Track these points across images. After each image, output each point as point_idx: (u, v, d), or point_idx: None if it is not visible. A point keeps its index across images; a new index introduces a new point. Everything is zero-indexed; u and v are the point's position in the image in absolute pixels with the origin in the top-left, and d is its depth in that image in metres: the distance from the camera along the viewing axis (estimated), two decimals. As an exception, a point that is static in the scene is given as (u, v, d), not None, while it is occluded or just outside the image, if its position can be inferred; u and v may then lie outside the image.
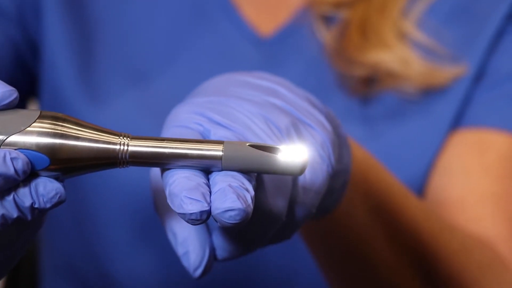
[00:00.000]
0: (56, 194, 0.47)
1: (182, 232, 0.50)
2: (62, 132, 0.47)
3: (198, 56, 0.92)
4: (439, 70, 0.88)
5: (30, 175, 0.47)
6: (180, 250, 0.50)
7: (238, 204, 0.44)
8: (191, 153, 0.47)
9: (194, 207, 0.44)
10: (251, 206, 0.45)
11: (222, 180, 0.45)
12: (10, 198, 0.46)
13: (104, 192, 0.90)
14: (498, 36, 0.89)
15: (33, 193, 0.47)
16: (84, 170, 0.48)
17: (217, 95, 0.52)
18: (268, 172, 0.47)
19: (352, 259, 0.69)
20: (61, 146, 0.47)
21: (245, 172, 0.47)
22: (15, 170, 0.46)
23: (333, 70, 0.90)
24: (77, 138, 0.47)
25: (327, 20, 0.91)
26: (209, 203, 0.45)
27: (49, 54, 0.90)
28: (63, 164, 0.47)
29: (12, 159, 0.46)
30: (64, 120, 0.48)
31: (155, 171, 0.53)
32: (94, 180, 0.90)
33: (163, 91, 0.91)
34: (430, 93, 0.89)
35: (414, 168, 0.88)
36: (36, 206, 0.47)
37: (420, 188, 0.88)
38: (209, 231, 0.51)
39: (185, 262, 0.50)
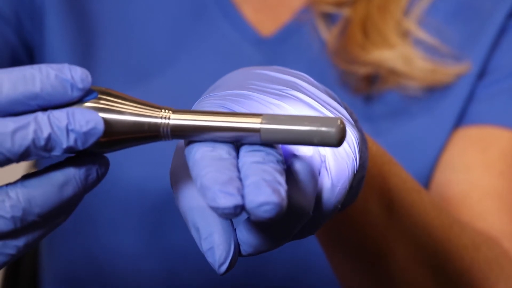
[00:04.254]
0: (93, 120, 0.47)
1: (206, 227, 0.49)
2: (104, 106, 0.48)
3: (198, 56, 0.91)
4: (442, 68, 0.88)
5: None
6: (204, 246, 0.49)
7: (273, 198, 0.43)
8: (231, 126, 0.47)
9: (228, 201, 0.43)
10: (286, 200, 0.44)
11: (255, 174, 0.45)
12: (45, 116, 0.46)
13: (106, 197, 0.89)
14: (501, 34, 0.89)
15: (70, 116, 0.46)
16: (127, 143, 0.48)
17: (239, 89, 0.52)
18: (306, 144, 0.46)
19: (364, 254, 0.69)
20: (104, 120, 0.47)
21: (284, 143, 0.47)
22: (72, 76, 0.47)
23: (335, 68, 0.90)
24: (119, 112, 0.48)
25: (328, 18, 0.91)
26: (243, 197, 0.44)
27: (50, 56, 0.90)
28: (105, 137, 0.47)
29: (70, 68, 0.47)
30: (107, 94, 0.48)
31: (176, 163, 0.52)
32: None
33: (164, 91, 0.90)
34: (434, 91, 0.89)
35: (418, 166, 0.88)
36: (71, 128, 0.46)
37: (424, 186, 0.88)
38: (233, 226, 0.51)
39: (210, 258, 0.49)
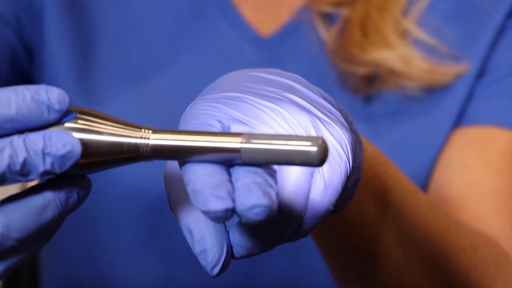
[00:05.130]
0: (70, 143, 0.45)
1: (199, 230, 0.49)
2: (82, 126, 0.47)
3: (197, 56, 0.91)
4: (441, 68, 0.88)
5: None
6: (197, 248, 0.49)
7: (264, 201, 0.43)
8: (211, 146, 0.46)
9: (219, 204, 0.43)
10: (276, 203, 0.44)
11: (246, 176, 0.45)
12: (20, 139, 0.45)
13: (105, 196, 0.90)
14: (500, 33, 0.89)
15: (47, 139, 0.45)
16: (106, 165, 0.47)
17: (233, 91, 0.52)
18: (288, 164, 0.46)
19: (361, 256, 0.69)
20: (82, 141, 0.46)
21: (265, 164, 0.46)
22: (48, 98, 0.45)
23: (334, 68, 0.90)
24: (98, 132, 0.47)
25: (327, 18, 0.91)
26: (234, 200, 0.44)
27: (49, 56, 0.90)
28: (84, 159, 0.46)
29: (46, 90, 0.46)
30: (86, 114, 0.47)
31: (170, 165, 0.52)
32: (96, 183, 0.89)
33: (163, 91, 0.90)
34: (433, 91, 0.89)
35: (417, 166, 0.88)
36: (47, 151, 0.45)
37: (423, 187, 0.88)
38: (226, 228, 0.51)
39: (202, 260, 0.49)
